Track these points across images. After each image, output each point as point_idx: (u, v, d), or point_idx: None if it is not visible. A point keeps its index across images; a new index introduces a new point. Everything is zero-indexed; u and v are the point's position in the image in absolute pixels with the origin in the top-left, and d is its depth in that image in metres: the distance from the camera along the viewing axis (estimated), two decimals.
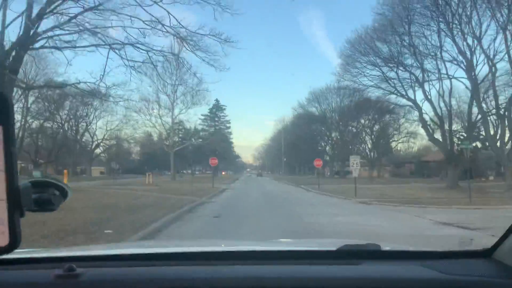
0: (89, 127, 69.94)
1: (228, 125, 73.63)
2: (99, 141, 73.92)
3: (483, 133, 36.22)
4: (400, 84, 29.47)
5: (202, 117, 68.90)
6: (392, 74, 29.72)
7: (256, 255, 1.56)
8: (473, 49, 24.43)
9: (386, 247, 1.61)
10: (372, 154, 54.88)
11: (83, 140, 72.63)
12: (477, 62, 24.96)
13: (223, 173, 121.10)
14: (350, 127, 57.49)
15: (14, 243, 0.64)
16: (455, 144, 29.64)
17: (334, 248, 1.53)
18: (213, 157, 31.75)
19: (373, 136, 49.78)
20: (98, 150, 77.21)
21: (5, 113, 0.63)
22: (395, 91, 30.25)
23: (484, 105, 26.81)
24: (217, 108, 70.62)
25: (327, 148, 67.62)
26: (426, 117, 29.41)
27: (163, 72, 47.53)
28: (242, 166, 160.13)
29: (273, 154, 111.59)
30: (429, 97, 27.93)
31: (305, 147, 75.05)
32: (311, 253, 1.65)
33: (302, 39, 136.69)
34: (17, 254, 1.36)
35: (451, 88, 27.70)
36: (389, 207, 15.45)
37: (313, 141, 70.66)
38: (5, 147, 0.63)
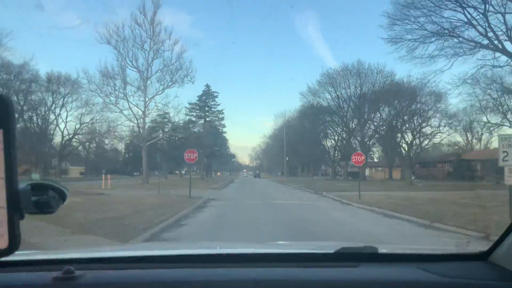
0: (57, 119, 57.70)
1: (221, 116, 60.02)
2: (70, 135, 61.53)
3: None
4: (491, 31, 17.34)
5: (189, 106, 55.36)
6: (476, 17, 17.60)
7: (254, 258, 1.53)
8: None
9: (383, 249, 1.56)
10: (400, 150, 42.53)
11: (51, 135, 60.37)
12: None
13: (218, 174, 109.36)
14: (367, 120, 45.30)
15: (13, 246, 0.63)
16: None
17: (331, 251, 1.49)
18: (191, 150, 19.56)
19: (412, 126, 37.17)
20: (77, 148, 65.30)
21: (5, 117, 0.62)
22: (485, 40, 17.98)
23: None
24: (208, 95, 57.21)
25: (339, 143, 55.51)
26: None
27: (133, 39, 35.47)
28: (238, 166, 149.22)
29: (272, 154, 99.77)
30: None
31: (310, 144, 63.25)
32: (308, 256, 1.59)
33: (298, 41, 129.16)
34: (16, 256, 1.29)
35: None
36: None
37: (321, 136, 58.66)
38: (6, 151, 0.62)
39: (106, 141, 75.23)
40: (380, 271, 1.37)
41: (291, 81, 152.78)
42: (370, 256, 1.48)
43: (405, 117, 35.12)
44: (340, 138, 53.62)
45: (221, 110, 59.90)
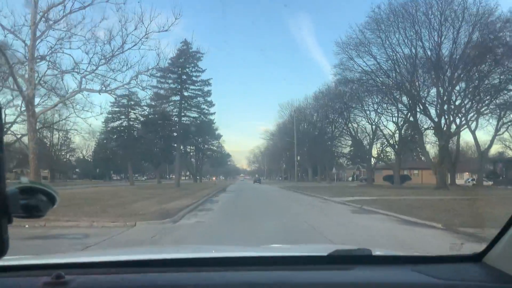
0: None
1: (206, 89, 38.33)
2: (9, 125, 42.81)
3: None
4: None
5: (158, 75, 31.91)
6: None
7: (248, 261, 1.48)
8: None
9: (377, 251, 1.52)
10: None
11: None
12: None
13: (214, 178, 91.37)
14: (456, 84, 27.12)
15: (1, 250, 0.59)
16: None
17: (325, 254, 1.45)
18: None
19: None
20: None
21: None
22: None
23: None
24: (186, 56, 35.66)
25: (390, 127, 37.35)
26: None
27: None
28: (235, 170, 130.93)
29: (273, 156, 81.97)
30: None
31: (327, 139, 45.50)
32: (302, 259, 1.55)
33: (292, 45, 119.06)
34: (5, 261, 1.27)
35: None
36: None
37: (351, 124, 40.64)
38: None
39: (78, 138, 57.15)
40: (374, 273, 1.33)
41: (284, 84, 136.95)
42: (364, 259, 1.43)
43: None
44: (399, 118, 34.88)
45: (207, 80, 38.43)
